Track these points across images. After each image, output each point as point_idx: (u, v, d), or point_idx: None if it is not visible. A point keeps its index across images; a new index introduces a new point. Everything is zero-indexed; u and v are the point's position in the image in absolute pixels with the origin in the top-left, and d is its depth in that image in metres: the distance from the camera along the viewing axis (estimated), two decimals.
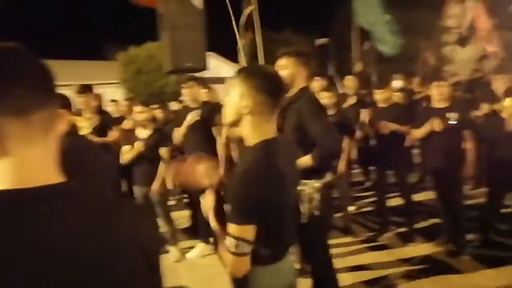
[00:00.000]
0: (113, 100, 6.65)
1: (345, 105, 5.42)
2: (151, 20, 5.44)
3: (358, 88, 6.10)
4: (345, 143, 4.63)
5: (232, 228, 1.44)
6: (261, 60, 6.55)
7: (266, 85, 1.54)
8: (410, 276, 3.57)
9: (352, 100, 5.64)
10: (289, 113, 2.61)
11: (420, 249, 4.10)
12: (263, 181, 1.43)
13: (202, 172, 1.77)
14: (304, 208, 2.58)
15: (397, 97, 5.05)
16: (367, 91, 6.81)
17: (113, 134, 4.55)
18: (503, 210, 4.71)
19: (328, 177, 2.71)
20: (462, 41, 8.61)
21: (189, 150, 4.16)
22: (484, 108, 4.49)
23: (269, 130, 1.58)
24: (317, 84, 5.30)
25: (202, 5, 4.74)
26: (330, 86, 5.60)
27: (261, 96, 1.53)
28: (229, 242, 1.44)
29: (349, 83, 6.03)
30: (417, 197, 5.17)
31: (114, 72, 20.87)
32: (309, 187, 2.60)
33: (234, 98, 1.56)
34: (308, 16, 38.85)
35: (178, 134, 4.29)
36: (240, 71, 1.61)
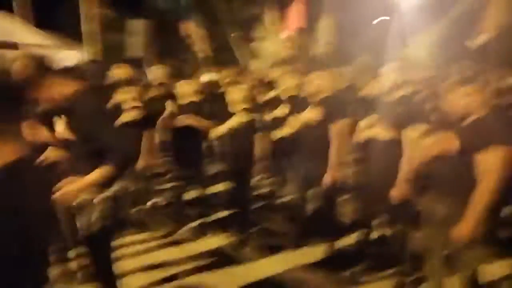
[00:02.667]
0: None
1: (148, 97, 5.23)
2: None
3: (164, 78, 5.96)
4: (147, 136, 4.53)
5: None
6: None
7: None
8: (198, 271, 3.75)
9: (155, 92, 5.46)
10: (71, 120, 2.34)
11: (211, 242, 4.34)
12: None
13: None
14: (82, 223, 2.40)
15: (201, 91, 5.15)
16: (173, 81, 6.71)
17: None
18: (282, 200, 5.42)
19: (116, 186, 2.56)
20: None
21: None
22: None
23: (7, 153, 1.33)
24: (121, 71, 5.00)
25: None
26: (135, 76, 5.37)
27: None
28: None
29: (155, 73, 5.84)
30: (214, 189, 5.46)
31: None
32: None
33: None
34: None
35: None
36: None
